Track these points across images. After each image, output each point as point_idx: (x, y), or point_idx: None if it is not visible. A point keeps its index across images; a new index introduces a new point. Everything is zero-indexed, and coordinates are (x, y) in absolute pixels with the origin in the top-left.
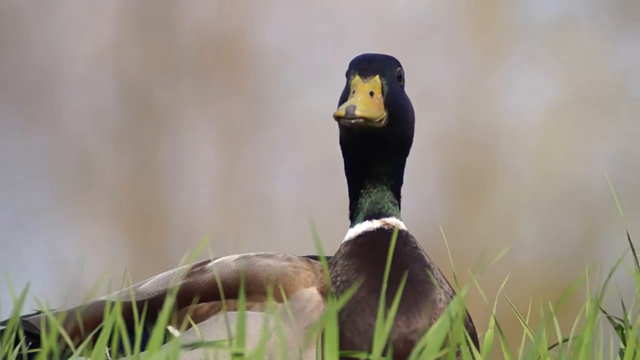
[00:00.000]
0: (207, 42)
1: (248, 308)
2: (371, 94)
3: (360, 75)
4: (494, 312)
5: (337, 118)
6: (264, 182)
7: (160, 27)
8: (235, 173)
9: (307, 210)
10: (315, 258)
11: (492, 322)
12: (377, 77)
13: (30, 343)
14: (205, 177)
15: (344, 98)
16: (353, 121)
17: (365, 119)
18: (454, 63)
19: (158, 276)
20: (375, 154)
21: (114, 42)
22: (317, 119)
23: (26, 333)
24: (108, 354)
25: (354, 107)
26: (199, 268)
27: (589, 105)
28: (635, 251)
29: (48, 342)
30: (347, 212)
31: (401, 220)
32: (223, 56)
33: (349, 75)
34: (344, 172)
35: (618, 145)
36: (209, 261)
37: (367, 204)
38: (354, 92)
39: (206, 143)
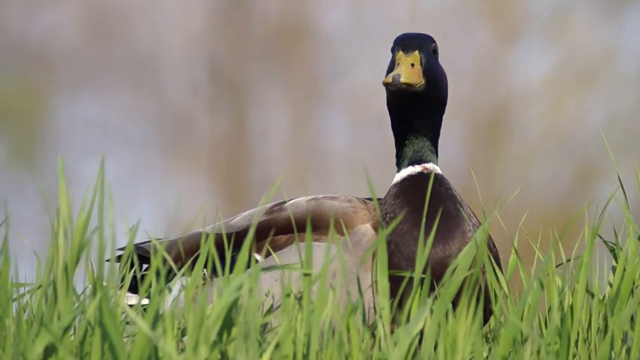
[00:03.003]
0: (277, 29)
1: (317, 240)
2: (412, 65)
3: (403, 50)
4: (515, 242)
5: (386, 85)
6: (323, 139)
7: (239, 17)
8: (301, 132)
9: (359, 160)
10: (370, 199)
11: (513, 249)
12: (416, 52)
13: (143, 267)
14: (278, 136)
15: (390, 69)
16: (398, 86)
17: (407, 84)
18: (474, 42)
19: (245, 213)
20: (416, 111)
21: (203, 30)
22: (365, 87)
23: (139, 257)
24: (205, 274)
25: (399, 76)
26: (278, 207)
27: (580, 74)
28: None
29: (155, 262)
30: (392, 162)
31: (437, 166)
32: (290, 39)
33: (394, 50)
34: (390, 129)
35: (604, 104)
36: (286, 201)
37: (410, 152)
38: (398, 64)
39: (278, 109)
